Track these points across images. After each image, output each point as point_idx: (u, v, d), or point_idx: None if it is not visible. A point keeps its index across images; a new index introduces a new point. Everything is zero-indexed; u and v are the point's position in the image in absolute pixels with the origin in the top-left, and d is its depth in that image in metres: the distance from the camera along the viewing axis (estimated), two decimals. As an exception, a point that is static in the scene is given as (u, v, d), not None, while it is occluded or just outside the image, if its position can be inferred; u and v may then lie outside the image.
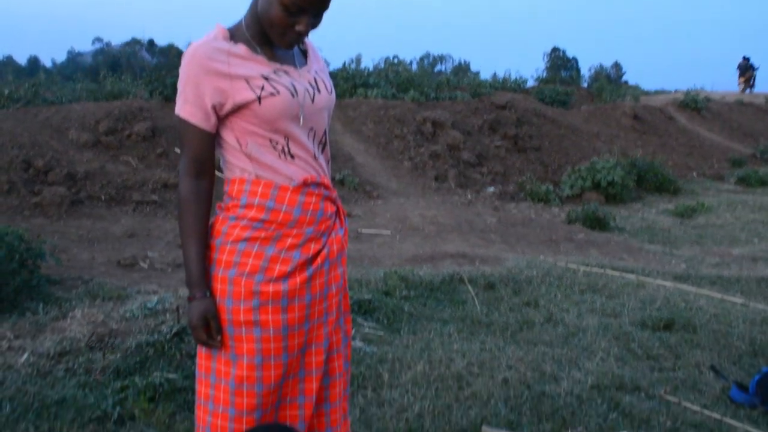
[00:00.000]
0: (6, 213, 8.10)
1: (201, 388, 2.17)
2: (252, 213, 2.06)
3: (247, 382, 2.07)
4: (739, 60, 28.33)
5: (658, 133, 18.51)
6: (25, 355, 3.90)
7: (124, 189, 9.54)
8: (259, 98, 2.02)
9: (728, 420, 3.50)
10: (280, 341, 2.07)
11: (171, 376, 3.66)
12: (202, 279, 2.06)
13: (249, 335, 2.06)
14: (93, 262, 6.75)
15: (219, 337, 2.07)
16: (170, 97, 11.74)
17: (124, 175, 9.84)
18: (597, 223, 10.24)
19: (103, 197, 9.22)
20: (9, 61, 60.34)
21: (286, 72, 2.09)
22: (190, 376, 3.61)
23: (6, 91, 13.46)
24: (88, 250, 7.26)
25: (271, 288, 2.04)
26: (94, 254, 7.07)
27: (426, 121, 14.32)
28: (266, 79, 2.04)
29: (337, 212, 2.24)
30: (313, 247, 2.11)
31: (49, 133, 10.47)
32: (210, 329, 2.06)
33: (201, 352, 2.15)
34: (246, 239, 2.06)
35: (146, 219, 8.98)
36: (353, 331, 4.72)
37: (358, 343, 4.53)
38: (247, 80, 2.02)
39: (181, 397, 3.51)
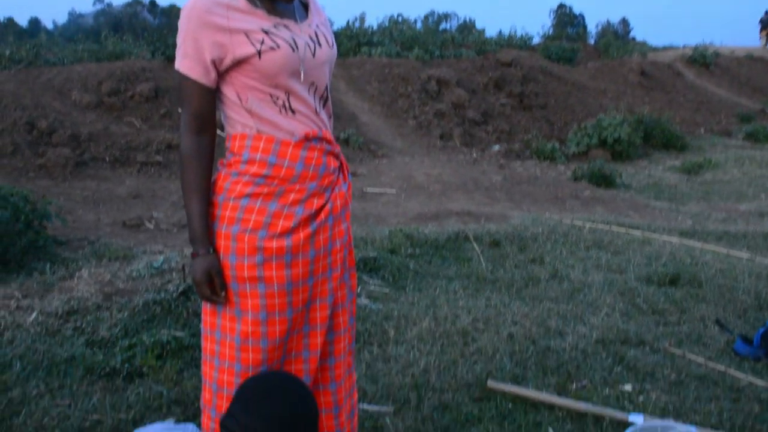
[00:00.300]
0: (11, 174, 8.10)
1: (207, 344, 2.18)
2: (254, 169, 2.05)
3: (252, 337, 2.07)
4: (761, 15, 28.02)
5: (665, 89, 18.32)
6: (34, 314, 3.93)
7: (128, 150, 9.52)
8: (259, 52, 1.99)
9: (732, 371, 3.52)
10: (285, 297, 2.08)
11: (178, 333, 3.69)
12: (206, 235, 2.06)
13: (253, 291, 2.06)
14: (99, 223, 6.77)
15: (223, 293, 2.07)
16: (172, 57, 11.60)
17: (127, 137, 9.81)
18: (603, 180, 10.20)
19: (107, 158, 9.21)
20: (10, 22, 59.83)
21: (286, 26, 2.05)
22: (197, 334, 3.63)
23: (7, 53, 13.36)
24: (93, 211, 7.28)
25: (274, 244, 2.04)
26: (100, 215, 7.08)
27: (431, 79, 14.19)
28: (266, 33, 2.01)
29: (341, 167, 2.22)
30: (317, 203, 2.10)
31: (51, 95, 10.41)
32: (214, 285, 2.06)
33: (206, 308, 2.16)
34: (248, 195, 2.04)
35: (151, 180, 8.97)
36: (359, 289, 4.74)
37: (363, 301, 4.55)
38: (246, 34, 1.99)
39: (188, 355, 3.54)
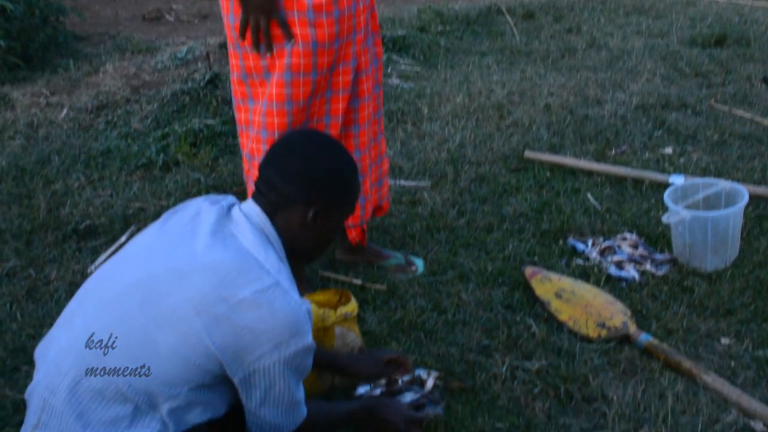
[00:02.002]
0: (21, -27, 7.79)
1: (240, 115, 2.16)
2: None
3: (277, 100, 2.02)
4: None
5: None
6: (65, 111, 3.92)
7: (137, -61, 9.02)
8: None
9: (778, 127, 3.42)
10: (309, 57, 1.99)
11: (209, 121, 3.66)
12: None
13: (279, 50, 1.99)
14: (117, 17, 6.57)
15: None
16: None
17: (135, -75, 9.25)
18: (644, -58, 9.47)
19: (117, -50, 8.75)
20: None
21: None
22: (228, 121, 3.60)
23: None
24: (110, 5, 7.04)
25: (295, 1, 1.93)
26: (117, 9, 6.86)
27: None
28: None
29: None
30: None
31: None
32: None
33: (233, 78, 2.11)
34: None
35: (165, -29, 8.57)
36: (389, 69, 4.60)
37: (395, 80, 4.43)
38: None
39: (221, 141, 3.53)
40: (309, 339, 1.40)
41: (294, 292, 1.40)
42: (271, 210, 1.50)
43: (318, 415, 1.61)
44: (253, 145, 2.09)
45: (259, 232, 1.46)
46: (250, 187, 2.19)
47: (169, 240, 1.46)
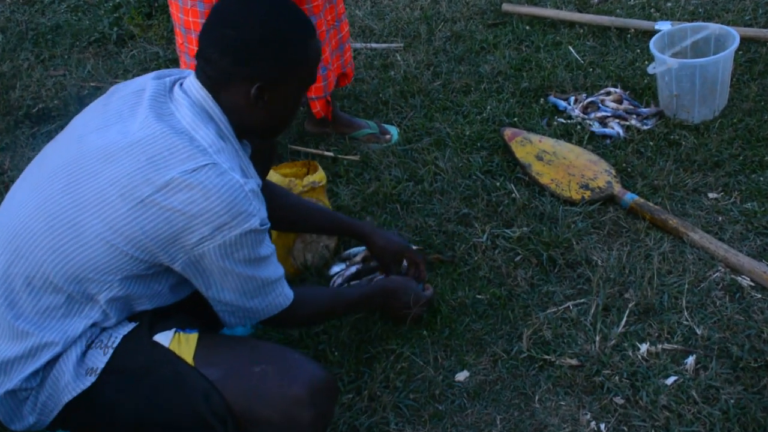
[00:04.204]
0: None
1: None
2: None
3: None
4: None
5: None
6: (6, -15, 3.63)
7: None
8: None
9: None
10: None
11: (163, -11, 3.41)
12: None
13: None
14: None
15: None
16: None
17: None
18: None
19: None
20: None
21: None
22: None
23: None
24: None
25: None
26: None
27: None
28: None
29: None
30: None
31: None
32: None
33: None
34: None
35: None
36: None
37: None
38: None
39: (178, 10, 3.30)
40: (255, 221, 1.27)
41: (235, 173, 1.26)
42: (212, 86, 1.32)
43: (321, 301, 1.53)
44: (188, 18, 1.90)
45: (199, 109, 1.30)
46: (184, 61, 2.03)
47: (107, 118, 1.33)
